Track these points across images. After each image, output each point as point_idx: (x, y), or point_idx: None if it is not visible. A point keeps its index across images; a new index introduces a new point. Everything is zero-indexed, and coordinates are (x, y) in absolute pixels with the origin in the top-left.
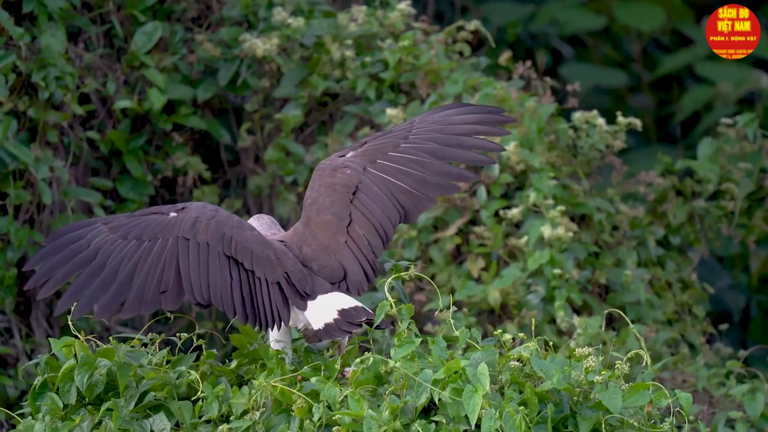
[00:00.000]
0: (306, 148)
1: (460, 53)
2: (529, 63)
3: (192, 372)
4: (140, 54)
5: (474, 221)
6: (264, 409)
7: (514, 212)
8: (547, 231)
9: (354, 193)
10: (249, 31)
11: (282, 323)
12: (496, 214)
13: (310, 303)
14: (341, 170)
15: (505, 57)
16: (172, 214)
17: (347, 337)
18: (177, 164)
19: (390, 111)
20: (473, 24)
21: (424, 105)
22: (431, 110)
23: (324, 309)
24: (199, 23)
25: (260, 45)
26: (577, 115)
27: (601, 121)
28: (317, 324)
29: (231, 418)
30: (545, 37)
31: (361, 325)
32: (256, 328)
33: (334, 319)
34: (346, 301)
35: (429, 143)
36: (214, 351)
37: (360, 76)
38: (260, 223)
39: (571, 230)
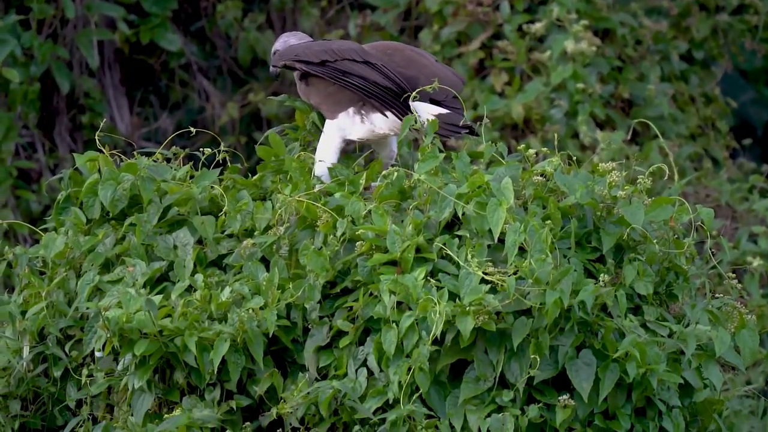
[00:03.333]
0: None
1: None
2: None
3: (215, 186)
4: None
5: (497, 35)
6: (288, 224)
7: (538, 26)
8: (570, 45)
9: None
10: None
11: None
12: (520, 28)
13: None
14: None
15: None
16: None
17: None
18: None
19: None
20: None
21: None
22: None
23: (421, 112)
24: None
25: None
26: None
27: None
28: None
29: (255, 233)
30: None
31: (458, 130)
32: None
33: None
34: (440, 108)
35: None
36: (238, 166)
37: None
38: (298, 38)
39: (595, 44)
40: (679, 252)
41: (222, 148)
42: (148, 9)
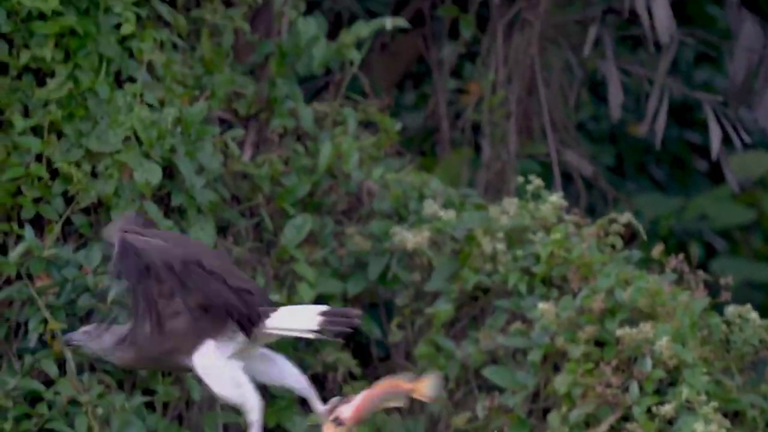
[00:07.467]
0: (457, 343)
1: (612, 246)
2: (681, 256)
3: None
4: (290, 247)
5: (626, 417)
6: None
7: (667, 408)
8: (700, 428)
9: None
10: (399, 223)
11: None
12: (649, 410)
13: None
14: None
15: (657, 250)
16: None
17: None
18: (327, 360)
19: (542, 305)
20: (625, 217)
21: (576, 299)
22: None
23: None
24: (349, 216)
25: (411, 238)
26: (730, 310)
27: (754, 315)
28: (308, 331)
29: None
30: (697, 229)
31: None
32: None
33: (320, 323)
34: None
35: None
36: None
37: (511, 269)
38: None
39: (725, 427)
40: None
41: None
42: (273, 391)
